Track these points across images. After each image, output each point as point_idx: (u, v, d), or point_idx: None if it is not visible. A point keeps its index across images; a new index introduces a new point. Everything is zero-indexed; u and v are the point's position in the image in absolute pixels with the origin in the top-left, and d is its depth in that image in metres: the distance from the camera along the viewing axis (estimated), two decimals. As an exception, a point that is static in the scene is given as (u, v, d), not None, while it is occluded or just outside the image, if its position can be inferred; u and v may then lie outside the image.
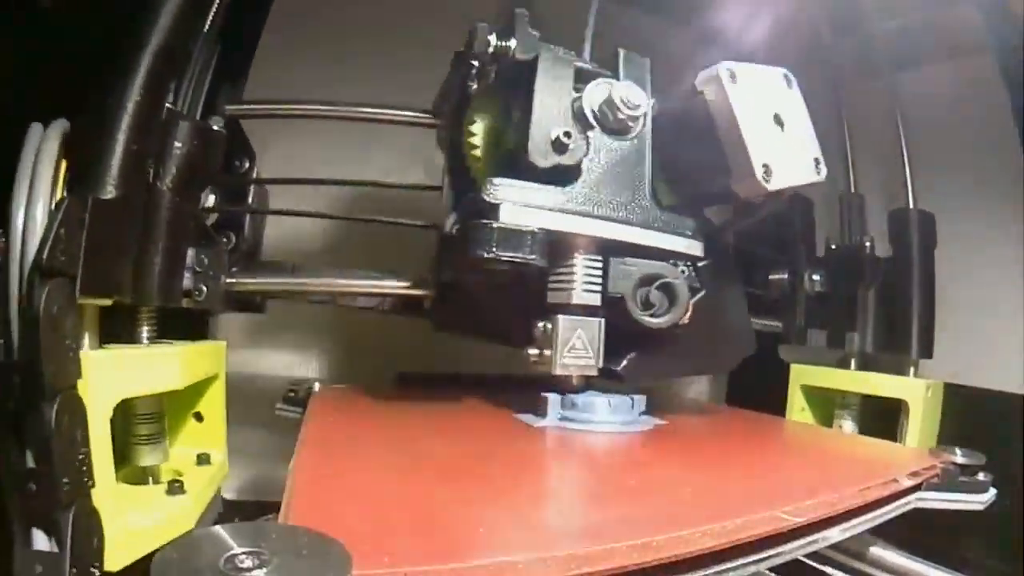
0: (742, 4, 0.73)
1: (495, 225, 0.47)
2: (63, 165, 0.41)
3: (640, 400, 0.63)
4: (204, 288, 0.56)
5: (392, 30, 0.95)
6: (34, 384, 0.36)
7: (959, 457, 0.52)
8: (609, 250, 0.53)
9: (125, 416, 0.50)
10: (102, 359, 0.42)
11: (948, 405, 0.76)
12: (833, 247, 0.86)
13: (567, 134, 0.50)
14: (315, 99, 0.68)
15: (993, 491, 0.52)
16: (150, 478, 0.51)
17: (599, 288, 0.53)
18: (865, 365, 0.83)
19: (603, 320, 0.53)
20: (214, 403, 0.58)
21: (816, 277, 0.86)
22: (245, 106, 0.66)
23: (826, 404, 0.83)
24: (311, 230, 0.94)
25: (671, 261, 0.55)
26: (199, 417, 0.58)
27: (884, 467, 0.51)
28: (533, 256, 0.48)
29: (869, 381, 0.76)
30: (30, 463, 0.37)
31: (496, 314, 0.65)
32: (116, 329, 0.49)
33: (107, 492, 0.40)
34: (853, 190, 0.87)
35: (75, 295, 0.38)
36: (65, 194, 0.40)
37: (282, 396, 0.71)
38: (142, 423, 0.51)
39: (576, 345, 0.52)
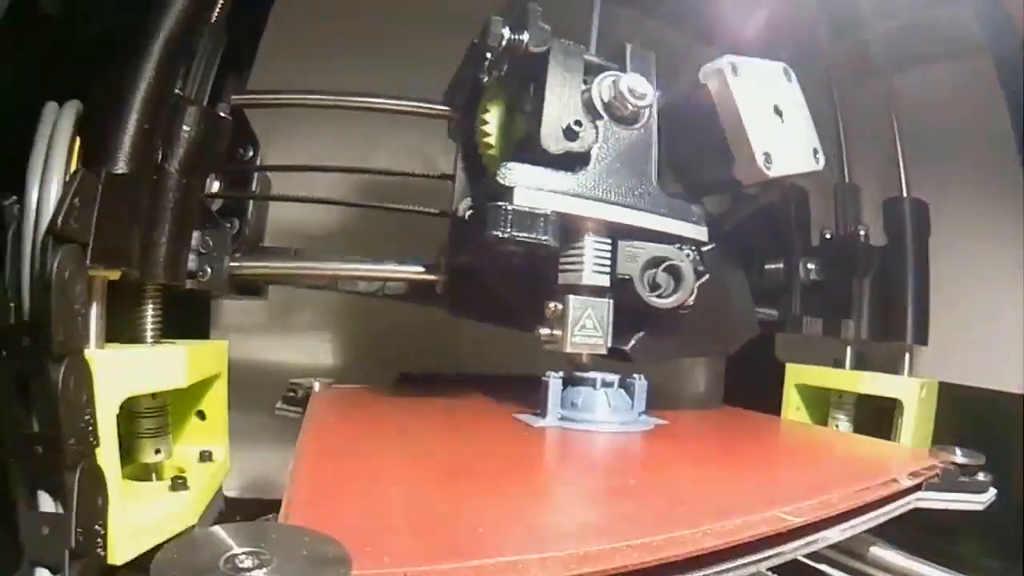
0: (739, 3, 0.73)
1: (510, 207, 0.50)
2: (76, 142, 0.43)
3: (640, 400, 0.63)
4: (208, 270, 0.58)
5: (396, 21, 0.95)
6: (42, 346, 0.37)
7: (959, 457, 0.52)
8: (617, 234, 0.55)
9: (130, 414, 0.51)
10: (108, 359, 0.43)
11: (947, 405, 0.76)
12: (828, 236, 0.87)
13: (578, 122, 0.52)
14: (320, 89, 0.69)
15: (993, 491, 0.52)
16: (154, 474, 0.52)
17: (608, 270, 0.55)
18: (861, 358, 0.83)
19: (612, 301, 0.55)
20: (216, 401, 0.59)
21: (811, 266, 0.86)
22: (250, 96, 0.67)
23: (821, 403, 0.83)
24: (313, 220, 0.94)
25: (677, 245, 0.57)
26: (202, 415, 0.59)
27: (884, 467, 0.51)
28: (546, 237, 0.51)
29: (864, 380, 0.76)
30: (36, 427, 0.38)
31: (507, 299, 0.67)
32: (121, 329, 0.50)
33: (112, 488, 0.41)
34: (848, 180, 0.87)
35: (86, 262, 0.39)
36: (79, 167, 0.41)
37: (281, 396, 0.71)
38: (146, 421, 0.51)
39: (586, 324, 0.54)
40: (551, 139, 0.52)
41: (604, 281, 0.55)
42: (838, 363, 0.83)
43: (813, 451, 0.63)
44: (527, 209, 0.50)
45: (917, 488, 0.49)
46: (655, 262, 0.56)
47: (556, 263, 0.55)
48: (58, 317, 0.37)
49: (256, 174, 0.71)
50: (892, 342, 0.80)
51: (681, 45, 0.66)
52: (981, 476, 0.52)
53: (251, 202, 0.68)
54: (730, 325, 0.68)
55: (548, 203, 0.51)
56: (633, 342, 0.59)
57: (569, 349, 0.54)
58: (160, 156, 0.48)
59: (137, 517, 0.43)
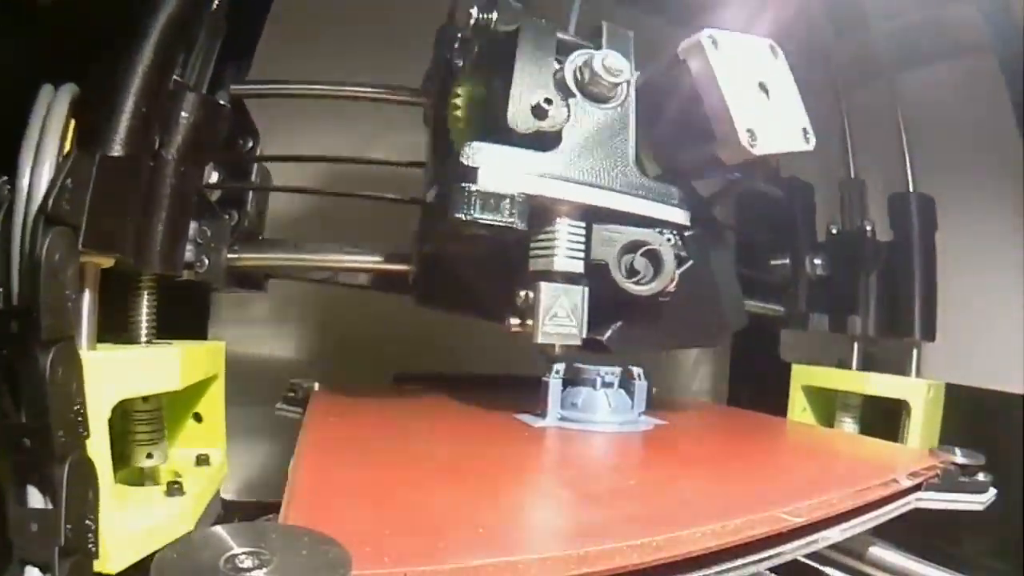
0: (742, 2, 0.73)
1: (474, 188, 0.47)
2: (71, 124, 0.42)
3: (640, 400, 0.63)
4: (206, 260, 0.57)
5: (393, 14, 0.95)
6: (30, 332, 0.35)
7: (959, 457, 0.52)
8: (593, 217, 0.53)
9: (124, 416, 0.50)
10: (100, 360, 0.41)
11: (948, 405, 0.76)
12: (834, 231, 0.86)
13: (548, 100, 0.50)
14: (314, 80, 0.69)
15: (993, 491, 0.52)
16: (148, 479, 0.51)
17: (582, 255, 0.52)
18: (866, 357, 0.82)
19: (586, 288, 0.52)
20: (214, 403, 0.58)
21: (818, 261, 0.86)
22: (249, 85, 0.67)
23: (827, 404, 0.82)
24: (312, 213, 0.94)
25: (657, 229, 0.54)
26: (198, 418, 0.58)
27: (884, 467, 0.51)
28: (512, 220, 0.48)
29: (870, 381, 0.76)
30: (23, 418, 0.36)
31: (478, 288, 0.65)
32: (113, 328, 0.49)
33: (105, 493, 0.40)
34: (853, 175, 0.87)
35: (77, 246, 0.38)
36: (74, 149, 0.40)
37: (282, 396, 0.71)
38: (140, 424, 0.50)
39: (558, 313, 0.51)
40: (519, 118, 0.49)
41: (578, 267, 0.51)
42: (842, 363, 0.83)
43: (813, 451, 0.63)
44: (492, 190, 0.47)
45: (917, 488, 0.49)
46: (633, 247, 0.53)
47: (526, 249, 0.53)
48: (47, 301, 0.35)
49: (256, 166, 0.71)
50: (899, 338, 0.80)
51: (660, 32, 0.65)
52: (981, 476, 0.52)
53: (250, 193, 0.68)
54: (716, 316, 0.64)
55: (515, 184, 0.48)
56: (610, 332, 0.56)
57: (540, 339, 0.51)
58: (158, 143, 0.47)
59: (131, 524, 0.42)
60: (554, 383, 0.60)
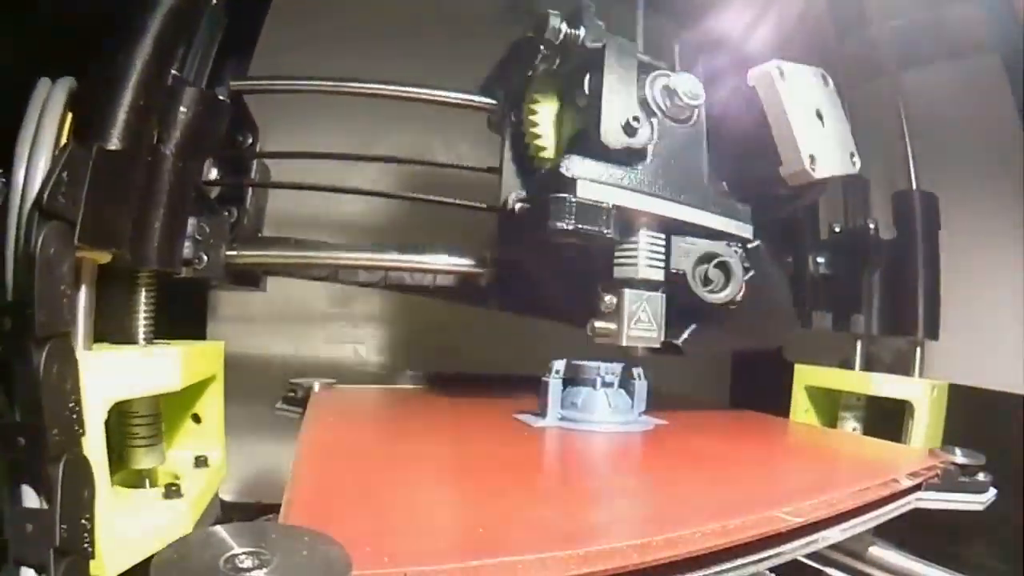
0: (748, 3, 0.73)
1: (573, 199, 0.50)
2: (68, 118, 0.41)
3: (640, 400, 0.63)
4: (204, 257, 0.57)
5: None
6: (24, 328, 0.35)
7: (959, 457, 0.52)
8: (670, 229, 0.56)
9: (121, 418, 0.49)
10: (96, 360, 0.41)
11: (948, 405, 0.76)
12: (837, 230, 0.86)
13: (636, 119, 0.53)
14: (323, 75, 0.67)
15: (993, 491, 0.52)
16: (147, 481, 0.51)
17: (662, 265, 0.56)
18: (868, 357, 0.82)
19: (664, 295, 0.56)
20: (212, 404, 0.58)
21: (820, 260, 0.86)
22: (251, 81, 0.66)
23: (830, 405, 0.82)
24: (314, 211, 0.94)
25: (725, 242, 0.58)
26: (197, 419, 0.57)
27: (884, 467, 0.51)
28: (608, 231, 0.51)
29: (874, 382, 0.75)
30: (18, 417, 0.36)
31: (556, 292, 0.68)
32: (111, 328, 0.48)
33: (102, 496, 0.39)
34: (856, 174, 0.87)
35: (73, 240, 0.37)
36: (70, 142, 0.40)
37: (282, 396, 0.71)
38: (138, 425, 0.50)
39: (641, 318, 0.55)
40: (611, 134, 0.52)
41: (658, 275, 0.55)
42: (845, 363, 0.82)
43: (813, 451, 0.63)
44: (590, 202, 0.51)
45: (917, 488, 0.49)
46: (707, 258, 0.56)
47: (608, 257, 0.56)
48: (42, 297, 0.35)
49: (255, 163, 0.70)
50: (902, 336, 0.79)
51: (656, 30, 0.66)
52: (981, 476, 0.52)
53: (250, 190, 0.68)
54: (773, 320, 0.70)
55: (610, 196, 0.52)
56: (685, 336, 0.59)
57: (625, 342, 0.54)
58: (156, 138, 0.47)
59: (128, 527, 0.41)
60: (554, 383, 0.60)
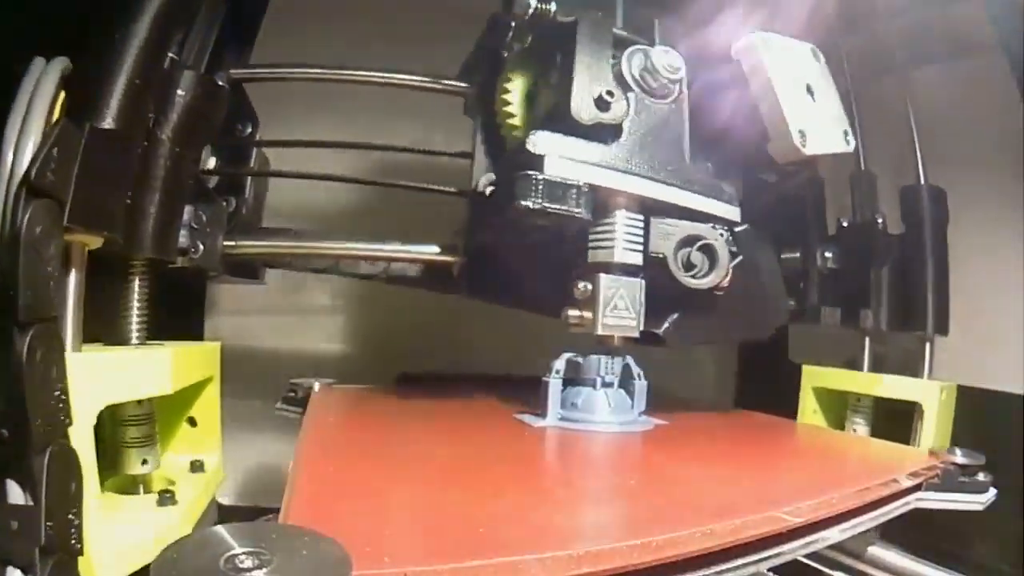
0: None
1: (540, 176, 0.47)
2: (62, 97, 0.40)
3: (640, 400, 0.63)
4: (201, 246, 0.55)
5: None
6: (7, 310, 0.33)
7: (959, 457, 0.52)
8: (649, 211, 0.53)
9: (113, 421, 0.48)
10: (86, 362, 0.39)
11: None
12: (845, 224, 0.85)
13: (610, 92, 0.50)
14: (323, 64, 0.67)
15: (993, 491, 0.52)
16: (140, 487, 0.49)
17: (640, 248, 0.53)
18: (875, 356, 0.82)
19: (643, 281, 0.53)
20: (208, 407, 0.57)
21: (828, 255, 0.84)
22: (250, 69, 0.65)
23: (838, 406, 0.81)
24: (313, 201, 0.94)
25: (710, 224, 0.55)
26: (193, 422, 0.56)
27: (884, 467, 0.51)
28: (579, 210, 0.48)
29: (883, 383, 0.75)
30: (1, 406, 0.34)
31: (529, 280, 0.65)
32: (103, 327, 0.47)
33: (93, 503, 0.37)
34: (863, 168, 0.87)
35: (62, 220, 0.36)
36: (62, 119, 0.38)
37: (281, 396, 0.71)
38: (131, 429, 0.48)
39: (618, 305, 0.52)
40: (582, 109, 0.50)
41: (637, 259, 0.52)
42: (851, 363, 0.82)
43: (813, 451, 0.63)
44: (559, 179, 0.48)
45: (917, 488, 0.49)
46: (689, 240, 0.54)
47: (583, 241, 0.53)
48: (26, 278, 0.33)
49: (255, 152, 0.69)
50: (911, 332, 0.78)
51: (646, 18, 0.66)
52: (981, 476, 0.52)
53: (249, 180, 0.67)
54: (763, 310, 0.66)
55: (581, 174, 0.49)
56: (667, 325, 0.57)
57: (600, 331, 0.52)
58: (152, 122, 0.45)
59: (121, 535, 0.40)
60: (554, 383, 0.60)
